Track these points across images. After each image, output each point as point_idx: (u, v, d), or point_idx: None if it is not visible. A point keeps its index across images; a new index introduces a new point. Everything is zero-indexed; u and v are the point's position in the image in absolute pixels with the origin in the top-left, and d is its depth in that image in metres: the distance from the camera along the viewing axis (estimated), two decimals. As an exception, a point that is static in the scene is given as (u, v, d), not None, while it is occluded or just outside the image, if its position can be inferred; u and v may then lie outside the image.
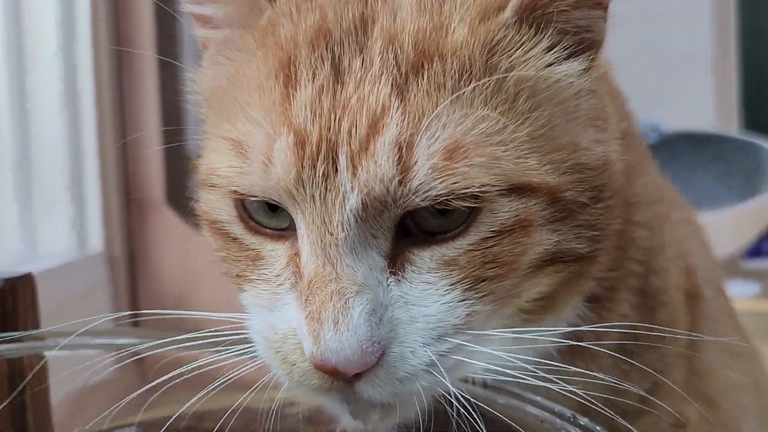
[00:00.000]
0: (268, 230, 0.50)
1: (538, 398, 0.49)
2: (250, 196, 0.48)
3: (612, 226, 0.52)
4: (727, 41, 2.95)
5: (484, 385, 0.51)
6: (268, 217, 0.49)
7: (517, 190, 0.45)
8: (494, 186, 0.44)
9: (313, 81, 0.46)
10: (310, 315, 0.44)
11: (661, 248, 0.61)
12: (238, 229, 0.50)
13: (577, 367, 0.48)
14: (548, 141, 0.47)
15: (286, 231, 0.49)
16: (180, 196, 1.74)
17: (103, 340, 0.56)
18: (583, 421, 0.46)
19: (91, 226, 1.46)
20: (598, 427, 0.46)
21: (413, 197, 0.44)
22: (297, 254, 0.48)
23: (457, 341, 0.46)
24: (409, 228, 0.46)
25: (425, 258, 0.46)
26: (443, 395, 0.47)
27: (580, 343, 0.51)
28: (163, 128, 1.76)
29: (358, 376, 0.45)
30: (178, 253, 1.56)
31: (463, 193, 0.44)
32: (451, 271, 0.46)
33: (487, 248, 0.46)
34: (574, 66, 0.50)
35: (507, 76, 0.46)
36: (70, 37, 1.43)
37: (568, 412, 0.47)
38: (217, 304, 0.53)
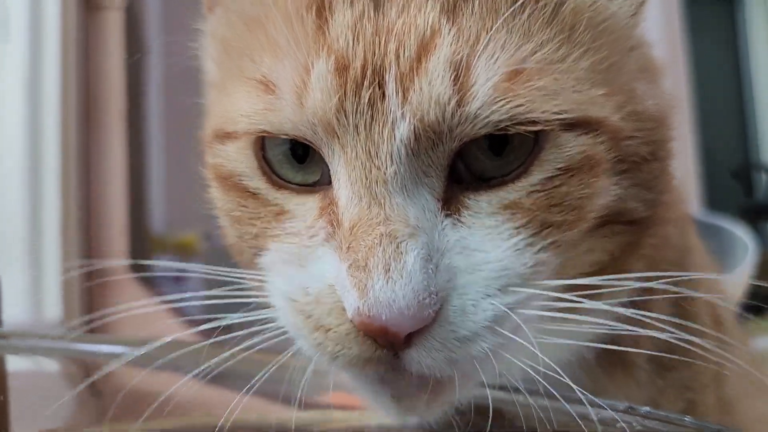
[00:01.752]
0: (293, 185, 0.44)
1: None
2: (280, 134, 0.43)
3: (664, 195, 0.49)
4: (683, 124, 3.09)
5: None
6: (293, 170, 0.44)
7: (583, 124, 0.42)
8: (559, 115, 0.40)
9: (352, 7, 0.42)
10: (355, 263, 0.38)
11: (689, 250, 0.59)
12: (259, 182, 0.45)
13: (616, 378, 0.44)
14: (609, 79, 0.44)
15: (314, 186, 0.44)
16: (143, 268, 1.70)
17: (61, 345, 0.52)
18: (643, 409, 0.42)
19: (49, 292, 1.39)
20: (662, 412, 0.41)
21: (472, 124, 0.39)
22: (331, 203, 0.42)
23: (524, 292, 0.40)
24: (460, 174, 0.42)
25: (483, 203, 0.41)
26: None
27: (617, 348, 0.47)
28: (130, 201, 1.74)
29: (408, 341, 0.38)
30: (140, 325, 1.49)
31: (527, 119, 0.39)
32: (514, 214, 0.41)
33: (553, 188, 0.41)
34: (626, 5, 0.47)
35: (564, 3, 0.44)
36: (36, 102, 1.42)
37: (622, 405, 0.42)
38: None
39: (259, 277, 0.46)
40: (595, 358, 0.49)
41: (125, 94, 1.59)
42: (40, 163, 1.41)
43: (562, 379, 0.40)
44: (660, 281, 0.53)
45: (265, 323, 0.44)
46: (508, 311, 0.39)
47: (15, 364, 0.60)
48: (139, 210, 1.74)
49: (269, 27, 0.45)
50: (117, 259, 1.59)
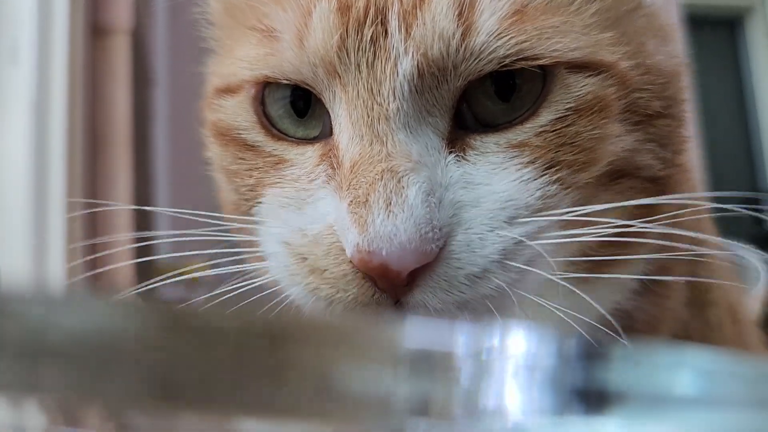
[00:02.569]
0: (293, 139, 0.44)
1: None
2: (281, 79, 0.43)
3: (680, 156, 0.48)
4: (691, 150, 3.09)
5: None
6: (294, 125, 0.44)
7: (591, 66, 0.41)
8: (565, 51, 0.40)
9: None
10: (355, 200, 0.37)
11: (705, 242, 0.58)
12: (257, 135, 0.45)
13: None
14: (617, 28, 0.44)
15: (314, 140, 0.43)
16: (150, 291, 1.67)
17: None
18: None
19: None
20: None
21: (477, 59, 0.39)
22: (333, 149, 0.41)
23: (533, 222, 0.39)
24: (466, 120, 0.41)
25: (490, 143, 0.40)
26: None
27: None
28: (136, 232, 1.72)
29: (412, 281, 0.37)
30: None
31: (533, 55, 0.39)
32: (522, 151, 0.40)
33: (563, 128, 0.40)
34: None
35: None
36: (44, 127, 1.41)
37: None
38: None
39: (255, 227, 0.45)
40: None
41: (132, 119, 1.58)
42: (46, 187, 1.40)
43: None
44: (677, 255, 0.51)
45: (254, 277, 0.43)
46: (520, 239, 0.38)
47: None
48: (145, 237, 1.72)
49: None
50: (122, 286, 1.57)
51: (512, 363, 0.21)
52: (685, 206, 0.51)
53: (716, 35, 3.47)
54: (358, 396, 0.20)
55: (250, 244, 0.45)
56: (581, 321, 0.43)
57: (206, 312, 0.19)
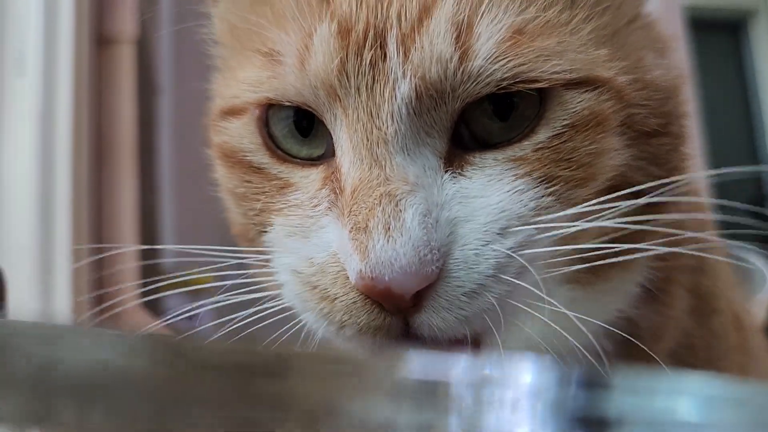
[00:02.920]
0: (297, 159, 0.45)
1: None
2: (283, 101, 0.43)
3: (675, 174, 0.48)
4: (695, 152, 3.08)
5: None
6: (298, 144, 0.45)
7: (588, 83, 0.42)
8: (563, 73, 0.41)
9: None
10: (356, 227, 0.38)
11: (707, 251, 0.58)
12: (263, 157, 0.46)
13: None
14: (613, 43, 0.44)
15: (318, 160, 0.44)
16: (155, 302, 1.67)
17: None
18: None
19: (61, 328, 1.37)
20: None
21: (474, 82, 0.40)
22: (335, 172, 0.42)
23: (523, 230, 0.40)
24: (464, 140, 0.42)
25: (488, 159, 0.41)
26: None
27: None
28: (141, 243, 1.73)
29: (417, 302, 0.38)
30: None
31: (530, 77, 0.40)
32: (520, 165, 0.41)
33: (560, 144, 0.41)
34: None
35: None
36: (50, 137, 1.42)
37: None
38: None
39: (265, 256, 0.46)
40: (613, 349, 0.47)
41: (137, 129, 1.59)
42: (52, 197, 1.40)
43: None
44: (677, 261, 0.51)
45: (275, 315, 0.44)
46: (512, 254, 0.39)
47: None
48: (150, 246, 1.73)
49: (275, 1, 0.45)
50: (129, 299, 1.57)
51: (513, 392, 0.22)
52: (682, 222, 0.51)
53: (720, 39, 3.47)
54: (361, 426, 0.20)
55: (262, 270, 0.46)
56: (582, 330, 0.43)
57: (210, 345, 0.20)
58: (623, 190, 0.44)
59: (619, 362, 0.47)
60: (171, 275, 0.52)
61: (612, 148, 0.43)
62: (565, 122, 0.41)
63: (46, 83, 1.39)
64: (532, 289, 0.39)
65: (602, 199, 0.43)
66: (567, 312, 0.41)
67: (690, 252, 0.52)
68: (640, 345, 0.46)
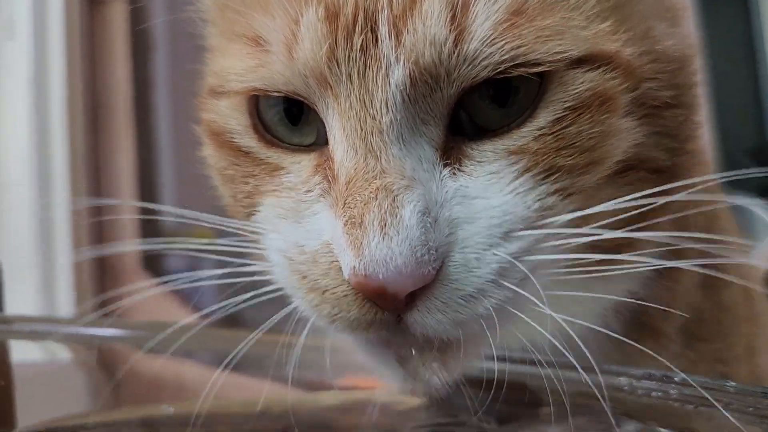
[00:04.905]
0: (288, 145, 0.43)
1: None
2: (272, 91, 0.41)
3: (689, 144, 0.46)
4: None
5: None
6: (288, 131, 0.43)
7: (591, 59, 0.39)
8: (563, 53, 0.38)
9: None
10: (350, 221, 0.36)
11: (716, 217, 0.56)
12: (251, 141, 0.44)
13: (646, 348, 0.41)
14: (619, 15, 0.42)
15: (310, 147, 0.42)
16: (155, 262, 1.68)
17: (69, 329, 0.50)
18: (678, 377, 0.39)
19: (62, 291, 1.38)
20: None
21: (470, 65, 0.37)
22: (327, 159, 0.40)
23: (529, 236, 0.38)
24: (463, 125, 0.40)
25: (487, 152, 0.39)
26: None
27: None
28: (138, 200, 1.73)
29: (410, 301, 0.37)
30: (152, 316, 1.48)
31: (528, 60, 0.37)
32: (520, 158, 0.39)
33: (562, 129, 0.39)
34: None
35: None
36: (43, 101, 1.41)
37: (658, 372, 0.40)
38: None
39: (258, 230, 0.44)
40: (622, 328, 0.47)
41: (132, 89, 1.57)
42: (49, 161, 1.40)
43: (582, 349, 0.38)
44: (689, 244, 0.50)
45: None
46: (514, 260, 0.37)
47: (29, 354, 0.59)
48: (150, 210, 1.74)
49: None
50: (128, 254, 1.59)
51: None
52: (694, 195, 0.50)
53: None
54: None
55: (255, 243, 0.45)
56: (592, 311, 0.43)
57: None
58: (638, 169, 0.42)
59: (629, 341, 0.47)
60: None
61: (619, 129, 0.40)
62: (567, 104, 0.39)
63: (37, 46, 1.37)
64: (533, 299, 0.37)
65: (612, 203, 0.40)
66: (573, 297, 0.40)
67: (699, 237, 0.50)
68: (650, 323, 0.45)
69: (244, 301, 0.45)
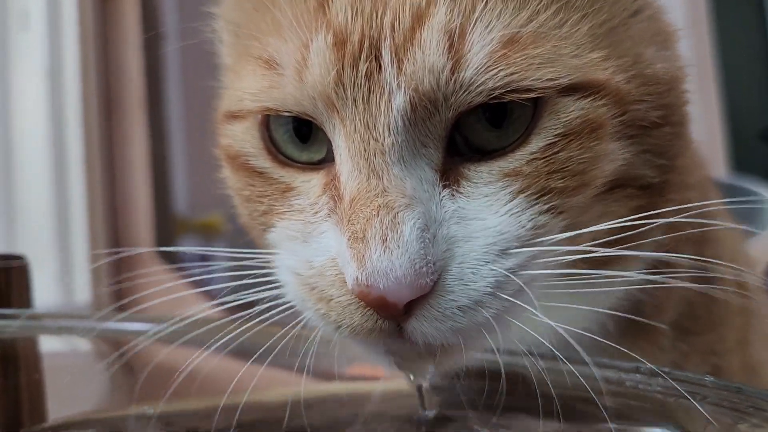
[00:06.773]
0: (298, 164, 0.46)
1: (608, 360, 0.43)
2: (283, 111, 0.44)
3: (678, 161, 0.48)
4: (708, 85, 3.02)
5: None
6: (298, 149, 0.45)
7: (582, 88, 0.42)
8: (554, 80, 0.40)
9: None
10: (354, 235, 0.39)
11: (711, 232, 0.57)
12: (264, 162, 0.46)
13: (640, 348, 0.44)
14: (610, 42, 0.44)
15: (319, 164, 0.45)
16: (171, 252, 1.71)
17: (95, 324, 0.53)
18: (664, 370, 0.41)
19: (79, 278, 1.42)
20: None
21: (466, 91, 0.40)
22: (335, 179, 0.43)
23: (523, 252, 0.40)
24: (459, 147, 0.42)
25: (482, 173, 0.42)
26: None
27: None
28: (152, 186, 1.76)
29: (409, 310, 0.39)
30: (168, 307, 1.51)
31: (521, 87, 0.40)
32: (514, 180, 0.41)
33: (553, 154, 0.41)
34: None
35: None
36: (58, 92, 1.43)
37: (644, 366, 0.42)
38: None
39: (271, 255, 0.47)
40: (616, 325, 0.49)
41: (145, 78, 1.59)
42: (64, 151, 1.43)
43: (574, 346, 0.40)
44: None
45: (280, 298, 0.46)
46: (509, 274, 0.40)
47: (49, 344, 0.61)
48: (162, 193, 1.76)
49: (275, 9, 0.45)
50: (143, 242, 1.61)
51: None
52: (686, 210, 0.51)
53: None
54: None
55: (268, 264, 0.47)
56: (585, 316, 0.44)
57: None
58: (627, 186, 0.44)
59: (622, 337, 0.47)
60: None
61: (607, 153, 0.43)
62: (558, 131, 0.41)
63: (52, 37, 1.39)
64: (529, 308, 0.40)
65: (606, 224, 0.43)
66: (567, 302, 0.42)
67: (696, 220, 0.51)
68: (644, 320, 0.46)
69: (254, 293, 0.47)
